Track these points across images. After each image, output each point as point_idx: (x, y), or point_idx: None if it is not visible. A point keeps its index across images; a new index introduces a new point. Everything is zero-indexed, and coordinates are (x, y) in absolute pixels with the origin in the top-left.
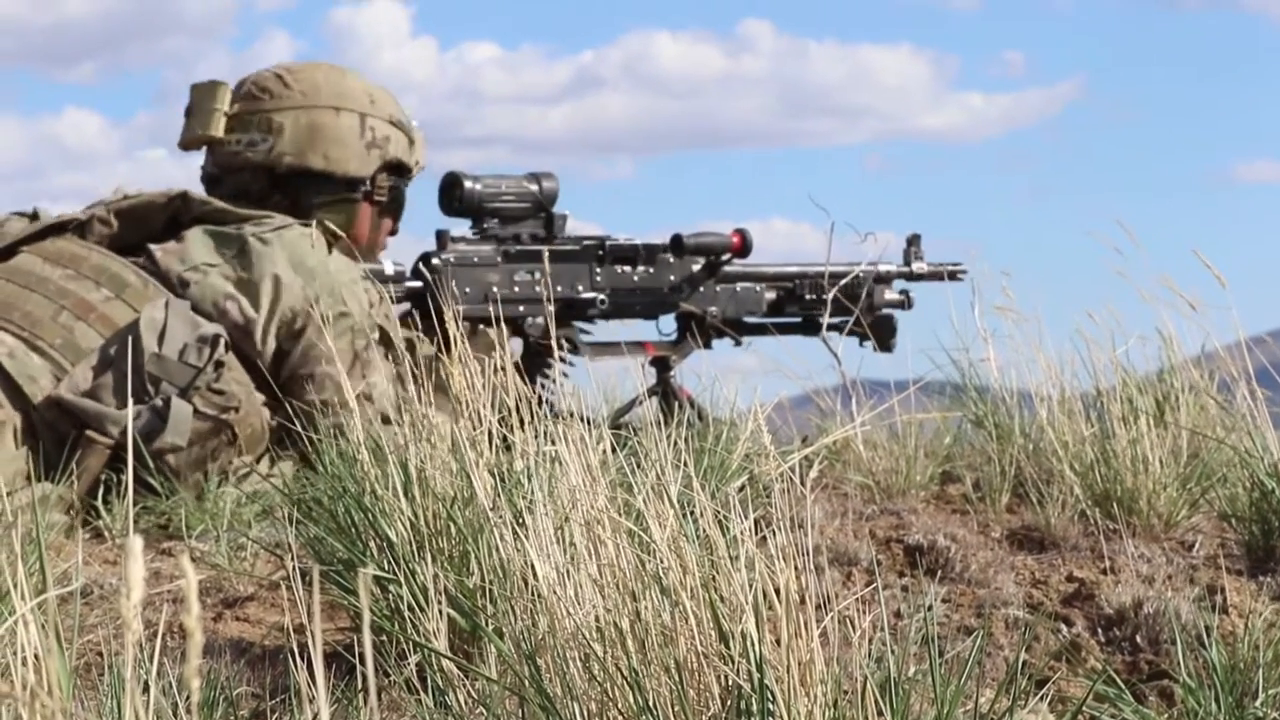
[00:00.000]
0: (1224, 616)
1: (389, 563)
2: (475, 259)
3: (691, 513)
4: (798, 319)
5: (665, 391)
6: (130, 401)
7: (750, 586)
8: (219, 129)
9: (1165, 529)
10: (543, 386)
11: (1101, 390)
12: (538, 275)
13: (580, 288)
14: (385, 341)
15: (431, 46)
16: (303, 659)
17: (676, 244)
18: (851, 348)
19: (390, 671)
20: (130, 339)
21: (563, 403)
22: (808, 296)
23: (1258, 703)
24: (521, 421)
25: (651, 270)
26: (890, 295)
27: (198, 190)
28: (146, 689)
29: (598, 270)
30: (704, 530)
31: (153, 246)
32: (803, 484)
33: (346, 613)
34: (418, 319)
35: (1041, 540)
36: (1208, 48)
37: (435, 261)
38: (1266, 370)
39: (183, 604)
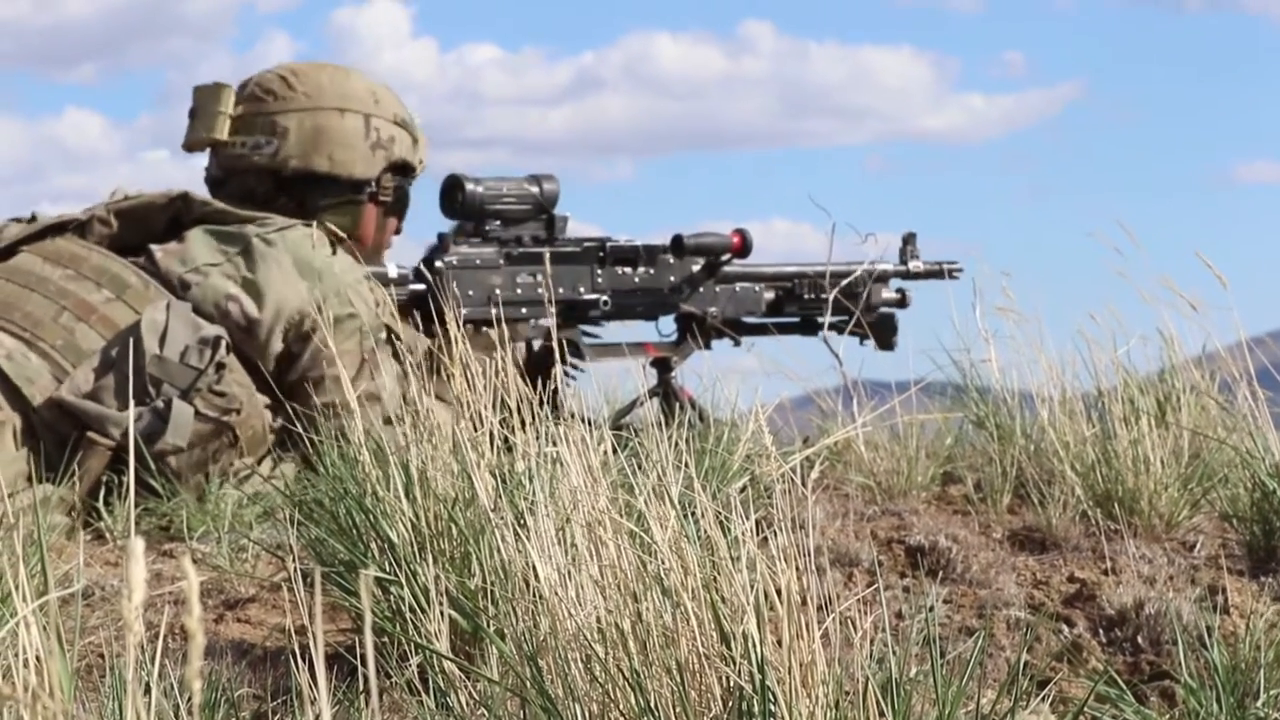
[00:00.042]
0: (1225, 617)
1: (390, 564)
2: (478, 261)
3: (693, 514)
4: (796, 319)
5: (666, 392)
6: (132, 403)
7: (752, 587)
8: (223, 132)
9: (1166, 529)
10: (551, 388)
11: (1103, 391)
12: (540, 277)
13: (582, 289)
14: (390, 342)
15: (432, 48)
16: (304, 660)
17: (677, 245)
18: (852, 348)
19: (392, 673)
20: (131, 341)
21: (565, 404)
22: (806, 296)
23: (1259, 703)
24: (523, 423)
25: (652, 271)
26: (887, 294)
27: (199, 191)
28: (148, 690)
29: (599, 272)
30: (705, 531)
31: (154, 247)
32: (804, 485)
33: (348, 614)
34: (419, 320)
35: (1043, 541)
36: (1208, 48)
37: (438, 264)
38: (1267, 370)
39: (184, 605)
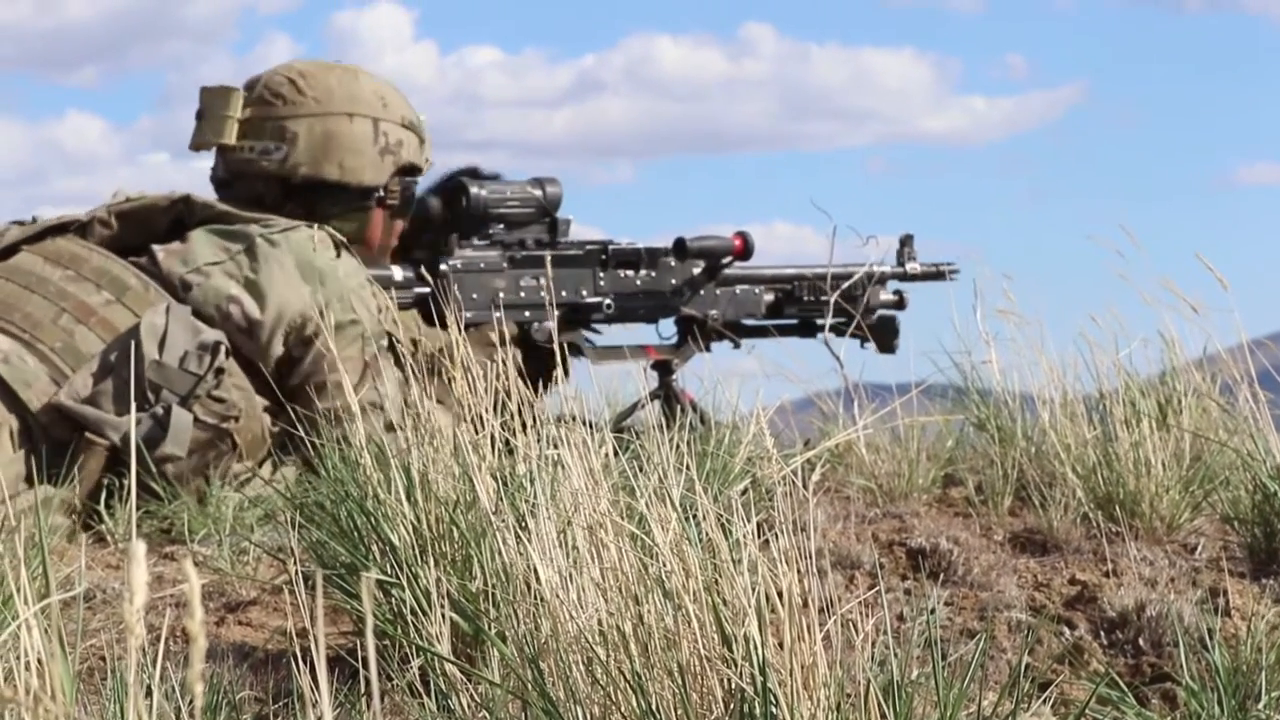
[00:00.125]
0: (1226, 619)
1: (392, 567)
2: (482, 265)
3: (694, 516)
4: (795, 321)
5: (667, 395)
6: (134, 406)
7: (753, 590)
8: (231, 136)
9: (1168, 532)
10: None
11: (1104, 393)
12: (543, 280)
13: (584, 292)
14: (391, 346)
15: (433, 50)
16: (305, 663)
17: (679, 248)
18: (853, 350)
19: (393, 676)
20: (131, 345)
21: (565, 406)
22: (805, 298)
23: (1260, 705)
24: (524, 425)
25: (653, 274)
26: (885, 296)
27: (200, 193)
28: (149, 693)
29: (601, 275)
30: (706, 534)
31: (156, 247)
32: (805, 487)
33: (349, 617)
34: (420, 322)
35: (1044, 543)
36: (1209, 49)
37: (442, 267)
38: (1269, 373)
39: (185, 608)
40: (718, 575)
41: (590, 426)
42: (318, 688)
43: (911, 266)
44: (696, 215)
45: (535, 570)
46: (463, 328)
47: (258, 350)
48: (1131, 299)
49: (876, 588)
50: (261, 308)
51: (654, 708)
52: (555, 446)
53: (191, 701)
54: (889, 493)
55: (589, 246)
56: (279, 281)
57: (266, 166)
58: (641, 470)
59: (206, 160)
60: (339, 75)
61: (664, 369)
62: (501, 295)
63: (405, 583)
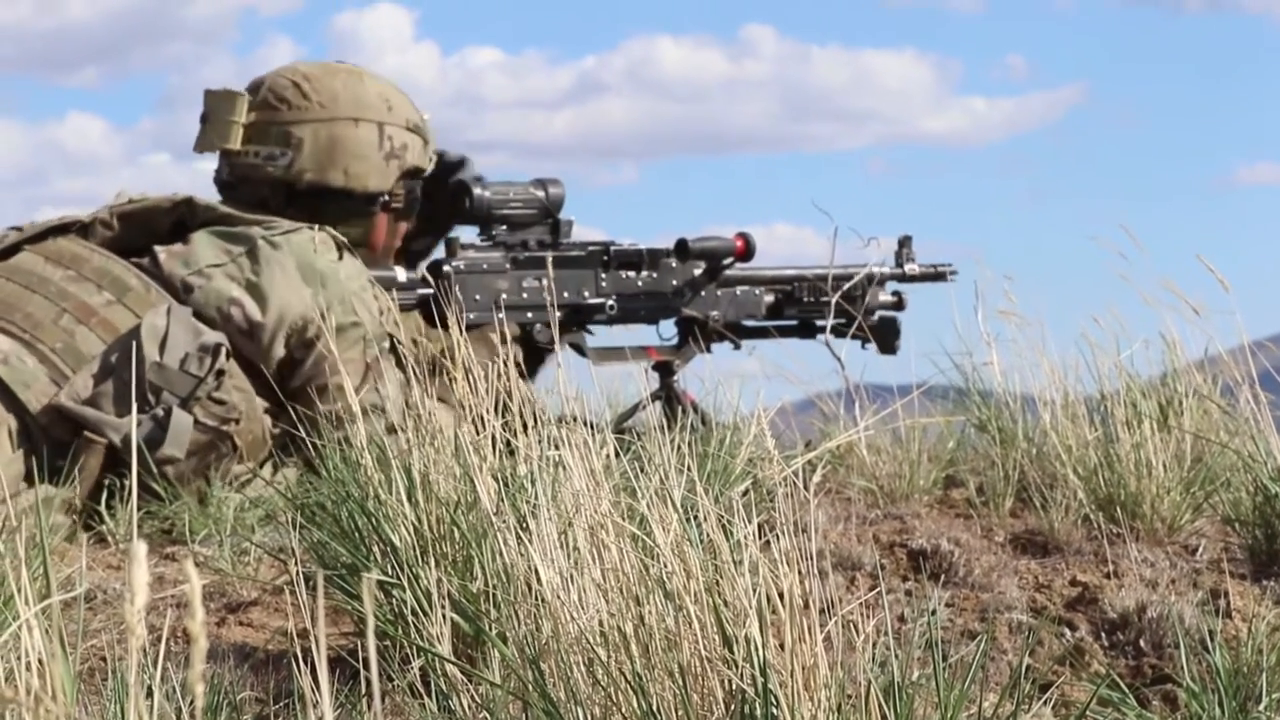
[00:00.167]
0: (1227, 621)
1: (393, 567)
2: (484, 266)
3: (695, 517)
4: (795, 322)
5: (668, 396)
6: (135, 407)
7: (754, 591)
8: (236, 141)
9: (1169, 533)
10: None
11: (1105, 394)
12: (545, 282)
13: (586, 293)
14: (393, 349)
15: (434, 51)
16: (306, 664)
17: (681, 249)
18: (854, 352)
19: (394, 676)
20: (132, 347)
21: (565, 408)
22: (805, 299)
23: (1261, 707)
24: (525, 426)
25: (655, 275)
26: (884, 297)
27: (202, 195)
28: (150, 694)
29: (603, 276)
30: (708, 535)
31: (158, 248)
32: (806, 488)
33: (350, 617)
34: (422, 324)
35: (1045, 544)
36: (1209, 50)
37: (445, 269)
38: (1270, 374)
39: (186, 609)
40: (719, 576)
41: (591, 427)
42: (319, 688)
43: (910, 267)
44: (698, 216)
45: (536, 571)
46: (464, 329)
47: (259, 353)
48: (1133, 300)
49: (877, 589)
50: (263, 310)
51: (655, 709)
52: (556, 447)
53: (192, 702)
54: (890, 494)
55: (591, 247)
56: (280, 284)
57: (271, 172)
58: (643, 471)
59: (208, 161)
60: (344, 79)
61: (665, 370)
62: (504, 296)
63: (406, 583)
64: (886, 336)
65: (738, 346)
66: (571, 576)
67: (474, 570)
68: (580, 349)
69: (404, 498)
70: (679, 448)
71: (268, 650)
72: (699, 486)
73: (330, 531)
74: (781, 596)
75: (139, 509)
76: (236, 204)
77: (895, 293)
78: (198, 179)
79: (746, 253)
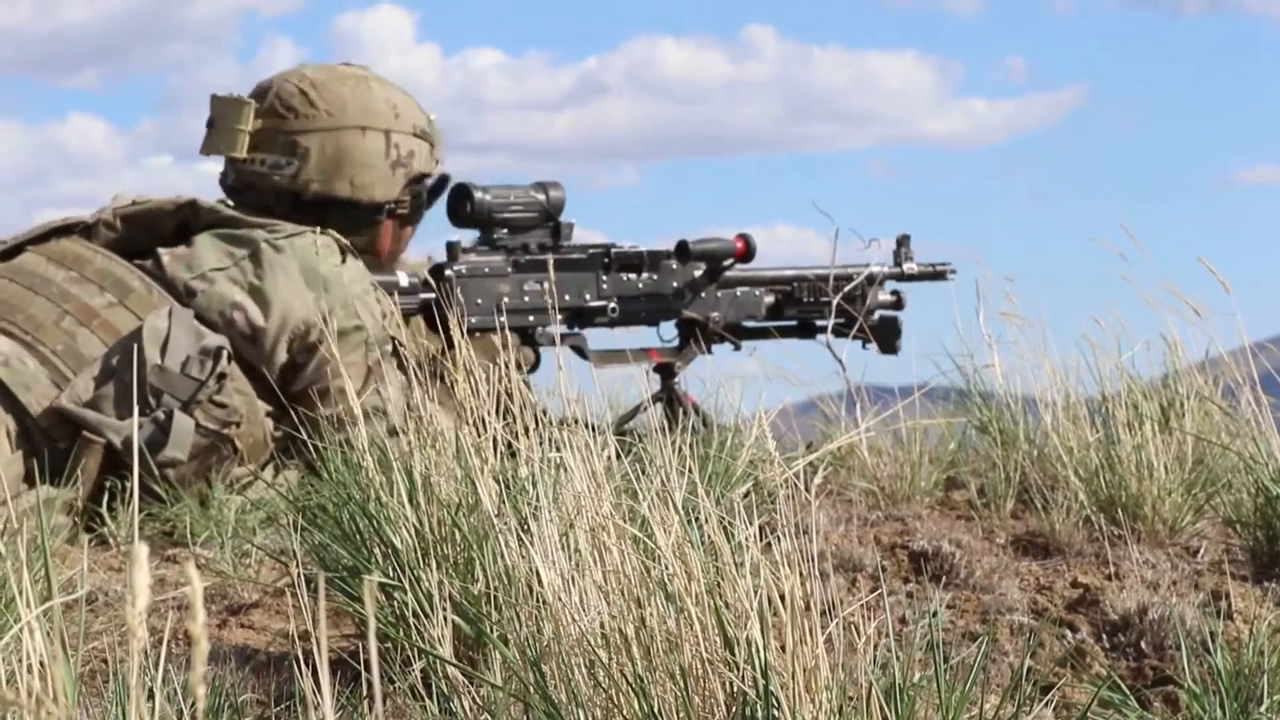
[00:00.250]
0: (1229, 622)
1: (394, 569)
2: (486, 269)
3: (696, 519)
4: (795, 322)
5: (670, 398)
6: (136, 409)
7: (755, 593)
8: (242, 149)
9: (1170, 535)
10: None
11: (1106, 396)
12: (546, 284)
13: (588, 296)
14: (395, 352)
15: (435, 53)
16: (308, 666)
17: (682, 250)
18: (855, 353)
19: (395, 678)
20: (134, 349)
21: (567, 410)
22: (805, 300)
23: (1262, 708)
24: (526, 428)
25: (655, 277)
26: (883, 296)
27: (206, 198)
28: (151, 696)
29: (604, 278)
30: (709, 536)
31: (161, 251)
32: (807, 490)
33: (351, 619)
34: (423, 327)
35: (1046, 546)
36: (1208, 51)
37: (447, 272)
38: (1271, 376)
39: (188, 611)
40: (720, 578)
41: (593, 429)
42: (320, 690)
43: (909, 266)
44: (699, 218)
45: (537, 573)
46: (465, 332)
47: (261, 357)
48: (1134, 301)
49: (878, 590)
50: (265, 314)
51: (656, 710)
52: (558, 449)
53: (194, 704)
54: (891, 495)
55: (592, 250)
56: (283, 288)
57: (277, 181)
58: (644, 473)
59: (210, 164)
60: (351, 85)
61: (666, 372)
62: (505, 300)
63: (407, 585)
64: (887, 336)
65: (738, 348)
66: (573, 578)
67: (475, 572)
68: (581, 351)
69: (405, 500)
70: (680, 449)
71: (269, 652)
72: (700, 488)
73: (331, 534)
74: (783, 598)
75: (140, 511)
76: (242, 209)
77: (894, 292)
78: (200, 180)
79: (747, 254)
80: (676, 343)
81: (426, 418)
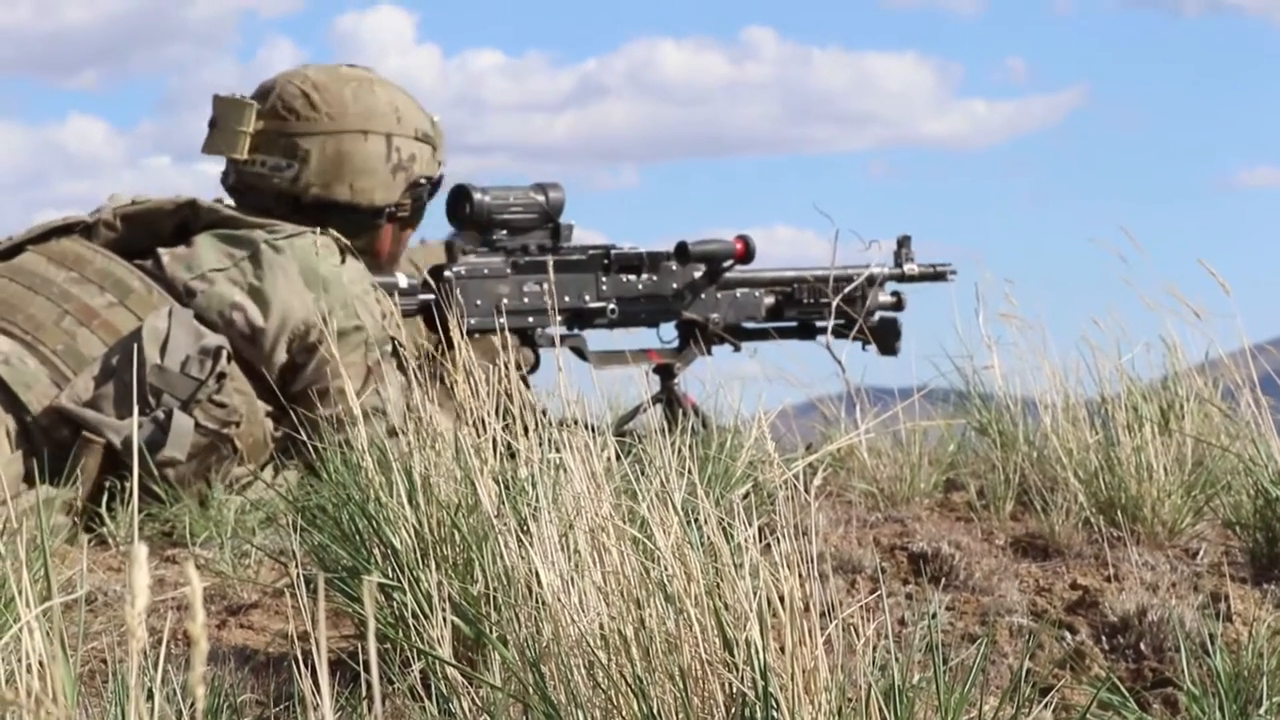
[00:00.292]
0: (1228, 624)
1: (393, 570)
2: (485, 271)
3: (696, 520)
4: (794, 323)
5: (669, 399)
6: (135, 409)
7: (754, 594)
8: (244, 151)
9: (1169, 536)
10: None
11: (1106, 398)
12: (546, 286)
13: (587, 297)
14: (395, 352)
15: (435, 54)
16: (307, 666)
17: (681, 251)
18: (855, 354)
19: (394, 679)
20: (134, 349)
21: (566, 411)
22: (805, 301)
23: (1262, 710)
24: (525, 429)
25: (655, 278)
26: (883, 297)
27: (206, 199)
28: (151, 696)
29: (604, 279)
30: (708, 538)
31: (161, 251)
32: (807, 491)
33: (351, 620)
34: (423, 328)
35: (1045, 548)
36: (1208, 52)
37: (446, 274)
38: (1271, 377)
39: (187, 611)
40: (719, 579)
41: (592, 430)
42: (319, 691)
43: (909, 267)
44: (698, 219)
45: (537, 574)
46: (465, 333)
47: (261, 357)
48: (1134, 303)
49: (878, 592)
50: (265, 315)
51: (655, 711)
52: (557, 450)
53: (193, 705)
54: (890, 497)
55: (591, 251)
56: (283, 289)
57: (278, 184)
58: (643, 474)
59: (209, 163)
60: (354, 88)
61: (666, 373)
62: (505, 301)
63: (407, 586)
64: (887, 337)
65: (738, 349)
66: (572, 579)
67: (475, 573)
68: (581, 352)
69: (405, 500)
70: (680, 450)
71: (268, 653)
72: (700, 489)
73: (331, 534)
74: (782, 599)
75: (140, 511)
76: (242, 209)
77: (894, 293)
78: (200, 181)
79: (746, 255)
80: (676, 344)
81: (426, 418)
